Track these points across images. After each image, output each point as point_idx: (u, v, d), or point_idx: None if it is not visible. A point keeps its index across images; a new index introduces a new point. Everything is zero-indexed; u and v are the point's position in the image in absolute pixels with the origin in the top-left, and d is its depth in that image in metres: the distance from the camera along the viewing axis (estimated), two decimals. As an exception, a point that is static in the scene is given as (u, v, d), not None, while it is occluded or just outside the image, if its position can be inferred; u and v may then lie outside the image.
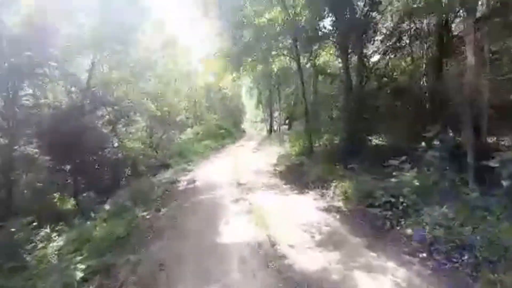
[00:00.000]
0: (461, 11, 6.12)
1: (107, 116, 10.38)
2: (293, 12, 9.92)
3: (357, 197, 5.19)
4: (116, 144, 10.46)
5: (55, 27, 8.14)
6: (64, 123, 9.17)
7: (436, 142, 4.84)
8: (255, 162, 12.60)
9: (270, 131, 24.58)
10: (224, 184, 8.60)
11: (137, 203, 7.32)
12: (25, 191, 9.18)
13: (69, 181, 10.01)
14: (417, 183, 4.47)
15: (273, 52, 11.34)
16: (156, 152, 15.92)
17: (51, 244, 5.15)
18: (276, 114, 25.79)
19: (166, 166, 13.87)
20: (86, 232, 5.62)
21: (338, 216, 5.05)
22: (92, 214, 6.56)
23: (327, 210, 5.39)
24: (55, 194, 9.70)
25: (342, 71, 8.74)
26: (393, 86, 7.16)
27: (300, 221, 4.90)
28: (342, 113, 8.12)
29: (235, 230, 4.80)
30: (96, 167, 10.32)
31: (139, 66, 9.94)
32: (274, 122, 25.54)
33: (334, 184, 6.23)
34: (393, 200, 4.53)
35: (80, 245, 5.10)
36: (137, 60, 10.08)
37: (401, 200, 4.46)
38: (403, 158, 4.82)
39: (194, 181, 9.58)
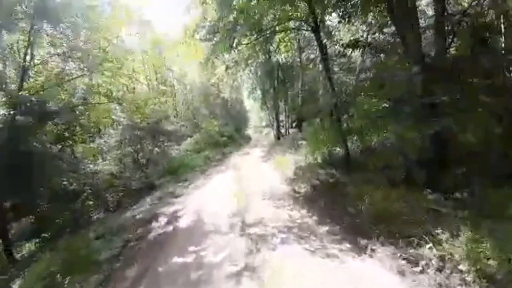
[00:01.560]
0: None
1: (57, 132, 7.47)
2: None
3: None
4: (67, 168, 7.44)
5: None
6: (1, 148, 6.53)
7: None
8: (266, 177, 9.45)
9: (278, 136, 21.31)
10: (221, 223, 5.45)
11: (73, 274, 4.29)
12: None
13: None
14: None
15: (279, 27, 8.22)
16: (144, 170, 13.08)
17: None
18: (281, 117, 22.71)
19: (152, 189, 11.00)
20: None
21: None
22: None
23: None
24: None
25: (398, 37, 5.49)
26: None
27: None
28: (409, 100, 4.69)
29: None
30: (47, 204, 7.37)
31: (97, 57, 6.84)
32: (281, 126, 22.37)
33: (440, 239, 2.96)
34: None
35: None
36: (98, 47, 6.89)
37: None
38: None
39: (177, 218, 6.44)
